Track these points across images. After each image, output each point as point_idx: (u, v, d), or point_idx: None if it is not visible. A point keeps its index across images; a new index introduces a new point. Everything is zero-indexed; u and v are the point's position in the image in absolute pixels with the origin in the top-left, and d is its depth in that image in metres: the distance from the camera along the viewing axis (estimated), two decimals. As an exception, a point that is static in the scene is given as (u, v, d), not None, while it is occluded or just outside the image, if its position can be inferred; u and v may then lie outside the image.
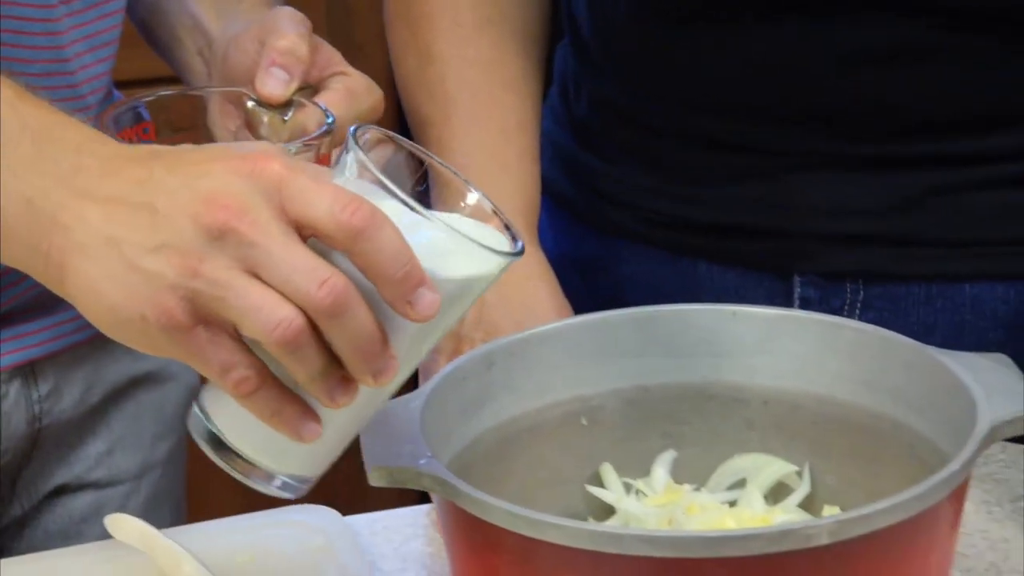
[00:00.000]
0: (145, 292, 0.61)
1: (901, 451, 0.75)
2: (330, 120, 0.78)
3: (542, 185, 1.04)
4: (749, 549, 0.63)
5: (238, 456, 0.65)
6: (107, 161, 0.63)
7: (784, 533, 0.63)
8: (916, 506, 0.65)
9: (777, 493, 0.80)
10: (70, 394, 0.93)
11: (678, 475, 0.80)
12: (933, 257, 0.94)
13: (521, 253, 0.65)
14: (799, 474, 0.79)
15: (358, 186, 0.63)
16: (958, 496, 0.68)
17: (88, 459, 0.95)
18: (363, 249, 0.61)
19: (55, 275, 0.63)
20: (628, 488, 0.80)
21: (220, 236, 0.60)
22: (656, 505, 0.78)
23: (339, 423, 0.65)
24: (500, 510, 0.65)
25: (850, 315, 0.95)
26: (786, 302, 0.96)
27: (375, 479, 0.68)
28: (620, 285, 1.01)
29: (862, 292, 0.95)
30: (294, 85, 0.79)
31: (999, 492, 0.86)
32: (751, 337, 0.79)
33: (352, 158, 0.64)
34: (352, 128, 0.65)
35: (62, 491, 0.95)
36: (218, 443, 0.65)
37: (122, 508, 0.94)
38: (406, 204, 0.62)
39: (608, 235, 1.01)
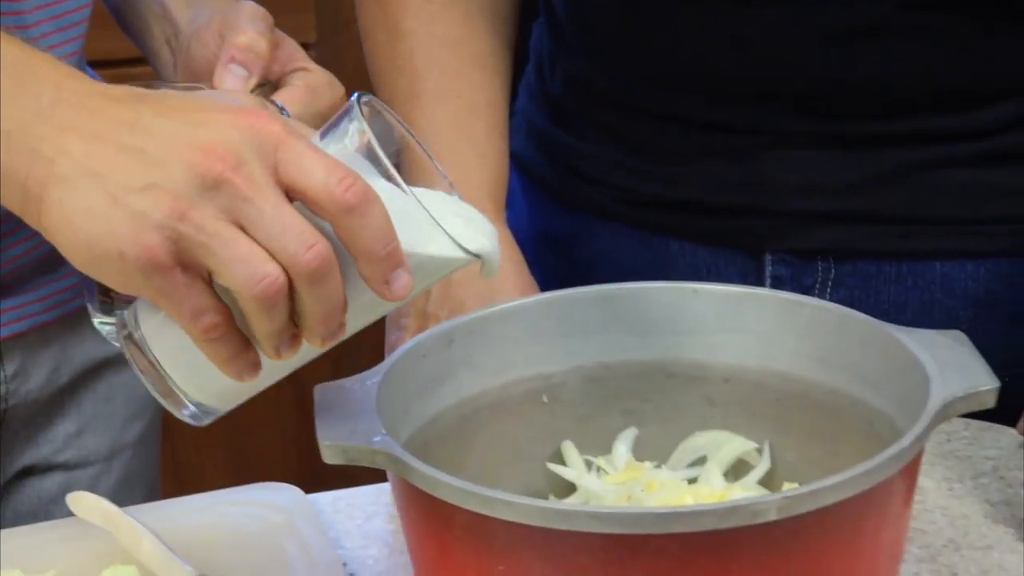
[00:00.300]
0: (127, 229, 0.61)
1: (860, 428, 0.76)
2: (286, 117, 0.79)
3: (517, 162, 1.05)
4: (698, 525, 0.64)
5: (156, 369, 0.66)
6: (88, 98, 0.64)
7: (732, 509, 0.64)
8: (865, 482, 0.66)
9: (739, 470, 0.81)
10: (37, 375, 0.94)
11: (639, 452, 0.81)
12: (904, 235, 0.95)
13: (488, 256, 0.67)
14: (759, 451, 0.80)
15: (351, 157, 0.65)
16: (910, 472, 0.69)
17: (56, 440, 0.97)
18: (351, 224, 0.63)
19: (33, 208, 0.63)
20: (589, 465, 0.81)
21: (214, 186, 0.62)
22: (616, 482, 0.79)
23: (268, 370, 0.67)
24: (451, 487, 0.66)
25: (821, 293, 0.97)
26: (758, 280, 0.97)
27: (328, 456, 0.69)
28: (593, 262, 1.02)
29: (833, 270, 0.96)
30: (253, 81, 0.81)
31: (961, 469, 0.87)
32: (712, 315, 0.80)
33: (355, 128, 0.66)
34: (356, 95, 0.66)
35: (30, 472, 0.96)
36: (137, 350, 0.66)
37: (92, 489, 0.94)
38: (399, 187, 0.64)
39: (581, 212, 1.02)
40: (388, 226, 0.63)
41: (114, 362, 0.98)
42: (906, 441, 0.67)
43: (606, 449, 0.81)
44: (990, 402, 0.71)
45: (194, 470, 1.80)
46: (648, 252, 1.00)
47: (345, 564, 0.81)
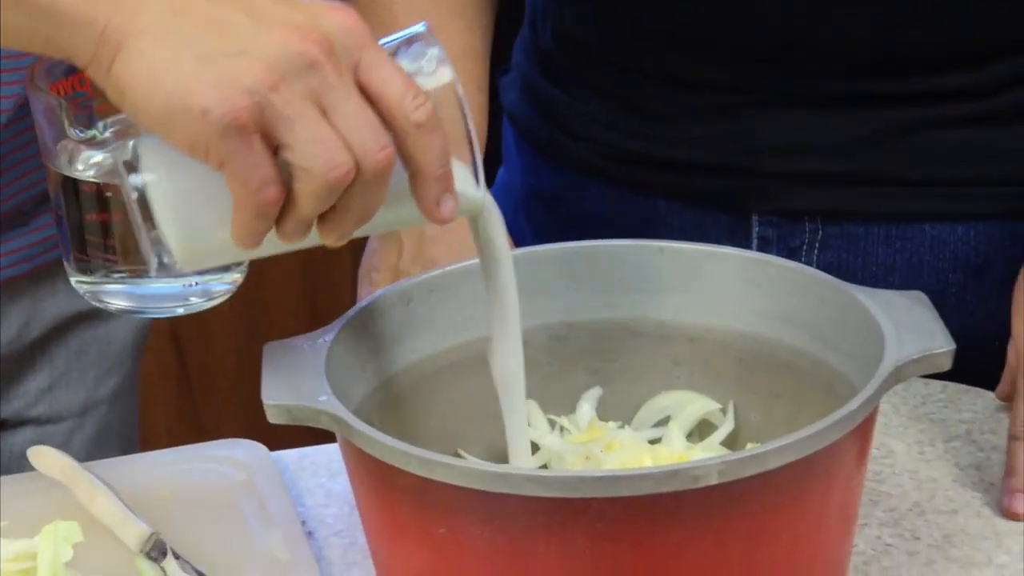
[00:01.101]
0: (215, 87, 0.63)
1: (821, 388, 0.77)
2: None
3: (512, 118, 1.06)
4: (637, 489, 0.65)
5: (144, 208, 0.67)
6: None
7: (672, 473, 0.65)
8: (810, 445, 0.66)
9: (704, 431, 0.82)
10: (7, 329, 0.96)
11: (604, 412, 0.82)
12: (892, 196, 0.95)
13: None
14: (724, 412, 0.82)
15: (423, 80, 0.69)
16: (861, 434, 0.70)
17: (28, 395, 0.99)
18: (417, 140, 0.66)
19: (106, 55, 0.64)
20: (553, 425, 0.82)
21: (307, 67, 0.64)
22: (578, 442, 0.80)
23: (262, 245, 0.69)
24: (392, 449, 0.67)
25: (809, 255, 0.97)
26: (745, 241, 0.98)
27: (273, 416, 0.71)
28: (582, 219, 1.03)
29: (821, 231, 0.97)
30: None
31: (934, 432, 0.88)
32: (678, 274, 0.81)
33: (435, 54, 0.70)
34: (425, 23, 0.71)
35: (2, 426, 0.98)
36: (131, 187, 0.67)
37: (65, 444, 0.98)
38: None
39: (570, 169, 1.03)
40: (447, 149, 0.67)
41: (87, 317, 0.99)
42: (854, 404, 0.68)
43: (570, 409, 0.83)
44: (945, 364, 0.72)
45: (159, 427, 1.83)
46: (635, 211, 1.00)
47: (304, 522, 0.82)
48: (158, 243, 0.68)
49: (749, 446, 0.80)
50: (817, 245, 0.97)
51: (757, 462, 0.66)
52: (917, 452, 0.86)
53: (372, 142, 0.65)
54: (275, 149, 0.65)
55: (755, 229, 0.98)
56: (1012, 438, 0.82)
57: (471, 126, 0.70)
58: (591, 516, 0.65)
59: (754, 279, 0.80)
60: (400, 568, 0.72)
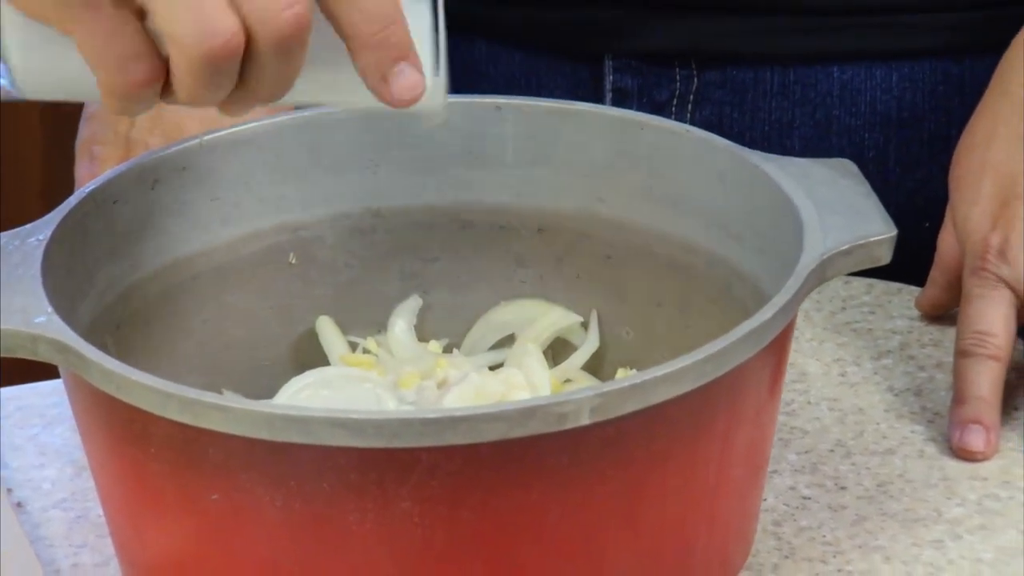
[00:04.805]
0: None
1: (716, 293, 0.78)
2: None
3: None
4: (482, 434, 0.64)
5: None
6: None
7: (529, 411, 0.64)
8: (711, 370, 0.66)
9: (557, 353, 0.83)
10: None
11: (425, 331, 0.83)
12: (791, 29, 0.95)
13: None
14: (585, 326, 0.82)
15: None
16: (774, 353, 0.70)
17: None
18: None
19: None
20: (355, 350, 0.82)
21: None
22: (395, 374, 0.79)
23: None
24: (143, 387, 0.65)
25: (680, 111, 0.98)
26: (595, 95, 0.99)
27: None
28: None
29: (695, 80, 0.97)
30: None
31: (858, 347, 0.88)
32: (521, 141, 0.81)
33: None
34: None
35: None
36: None
37: None
38: None
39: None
40: (393, 6, 0.66)
41: None
42: (767, 313, 0.68)
43: (379, 327, 0.83)
44: (884, 257, 0.72)
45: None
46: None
47: (10, 490, 0.81)
48: None
49: (621, 372, 0.80)
50: (691, 98, 0.98)
51: (642, 393, 0.65)
52: (838, 374, 0.87)
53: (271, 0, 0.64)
54: (140, 14, 0.65)
55: (608, 78, 0.98)
56: (960, 354, 0.82)
57: None
58: (421, 473, 0.64)
59: (626, 148, 0.80)
60: (153, 548, 0.70)
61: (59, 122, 1.84)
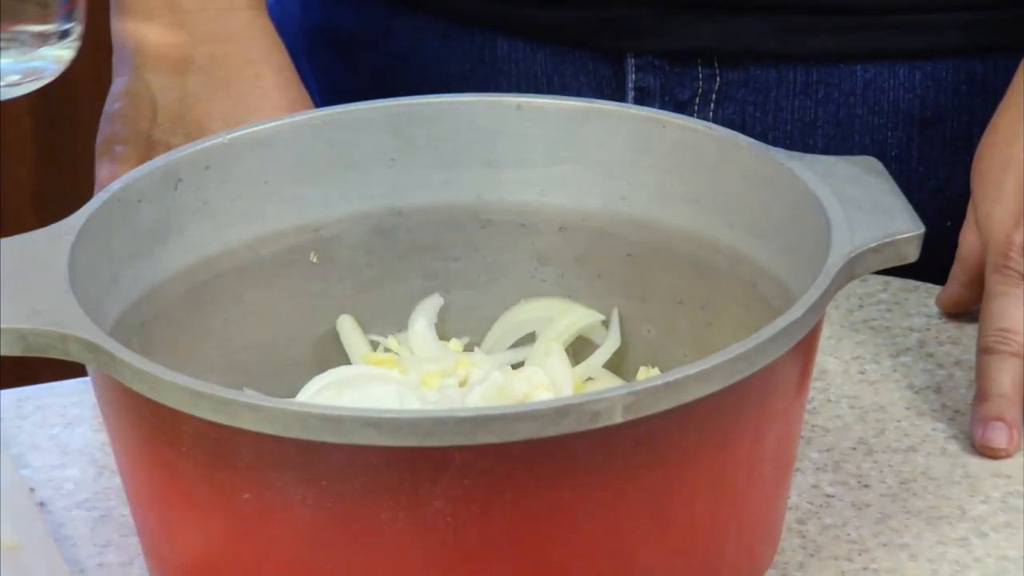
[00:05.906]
0: None
1: (740, 292, 0.78)
2: None
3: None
4: (515, 432, 0.64)
5: None
6: None
7: (562, 410, 0.64)
8: (742, 368, 0.66)
9: (578, 352, 0.82)
10: None
11: (445, 329, 0.83)
12: (813, 28, 0.96)
13: None
14: (606, 324, 0.82)
15: None
16: (804, 352, 0.70)
17: None
18: None
19: None
20: (376, 349, 0.82)
21: None
22: (416, 373, 0.79)
23: None
24: (175, 386, 0.66)
25: (703, 110, 0.98)
26: (617, 93, 0.99)
27: (5, 346, 0.69)
28: (393, 67, 1.03)
29: (718, 79, 0.97)
30: None
31: (877, 345, 0.88)
32: (543, 140, 0.81)
33: None
34: None
35: None
36: None
37: None
38: None
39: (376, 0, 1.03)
40: None
41: None
42: (797, 312, 0.68)
43: (400, 326, 0.82)
44: (911, 255, 0.72)
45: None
46: (466, 55, 1.01)
47: (33, 490, 0.81)
48: None
49: (643, 370, 0.80)
50: (713, 97, 0.98)
51: (674, 392, 0.65)
52: (857, 372, 0.87)
53: None
54: None
55: (630, 77, 0.98)
56: (983, 351, 0.83)
57: None
58: (453, 472, 0.64)
59: (649, 147, 0.80)
60: (184, 549, 0.70)
61: (51, 128, 1.85)
